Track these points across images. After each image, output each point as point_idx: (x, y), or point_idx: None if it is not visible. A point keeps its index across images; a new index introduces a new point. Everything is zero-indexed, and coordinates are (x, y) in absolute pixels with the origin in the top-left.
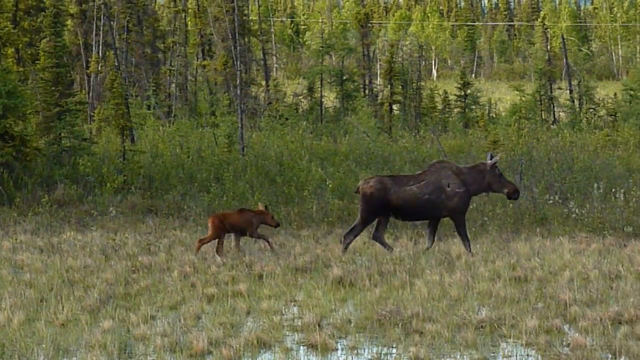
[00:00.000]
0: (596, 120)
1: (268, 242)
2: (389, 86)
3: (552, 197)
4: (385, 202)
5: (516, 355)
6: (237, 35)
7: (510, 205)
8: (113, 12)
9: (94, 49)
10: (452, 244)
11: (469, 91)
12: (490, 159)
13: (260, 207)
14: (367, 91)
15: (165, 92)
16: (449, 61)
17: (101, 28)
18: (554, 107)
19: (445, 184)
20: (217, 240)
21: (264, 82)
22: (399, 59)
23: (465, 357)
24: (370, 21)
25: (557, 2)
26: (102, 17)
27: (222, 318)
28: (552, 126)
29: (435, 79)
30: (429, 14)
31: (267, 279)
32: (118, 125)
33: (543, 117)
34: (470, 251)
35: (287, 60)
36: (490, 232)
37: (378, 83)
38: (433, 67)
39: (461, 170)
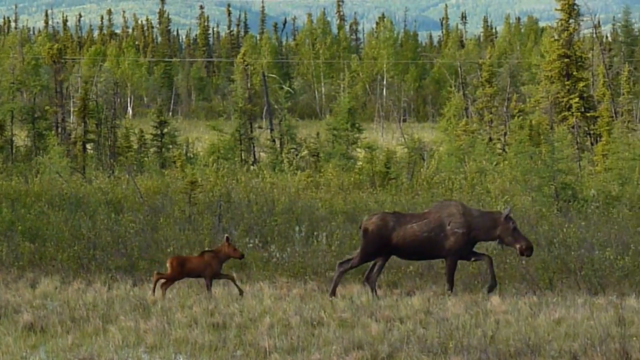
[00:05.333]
0: (298, 161)
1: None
2: (83, 124)
3: (252, 241)
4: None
5: None
6: None
7: (207, 248)
8: None
9: None
10: (148, 289)
11: (165, 130)
12: (509, 212)
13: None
14: (59, 129)
15: None
16: (146, 98)
17: None
18: (254, 147)
19: (447, 223)
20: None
21: None
22: (94, 96)
23: None
24: (64, 57)
25: (258, 38)
26: None
27: None
28: (252, 167)
29: (131, 117)
30: (125, 49)
31: None
32: None
33: (243, 157)
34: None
35: None
36: None
37: (71, 121)
38: (129, 104)
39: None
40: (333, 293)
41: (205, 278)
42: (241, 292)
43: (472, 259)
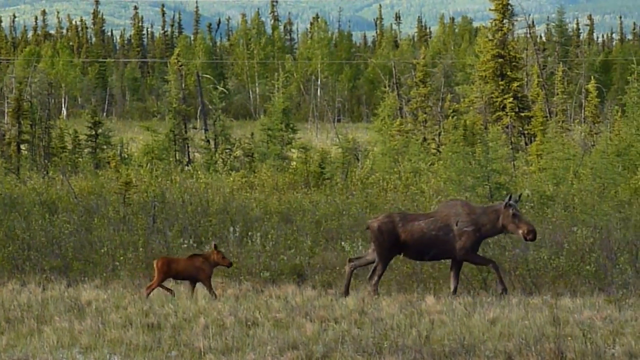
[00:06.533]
0: (232, 161)
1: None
2: (17, 125)
3: (186, 241)
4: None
5: None
6: None
7: (142, 249)
8: None
9: None
10: (82, 289)
11: (100, 131)
12: (509, 199)
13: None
14: None
15: None
16: (80, 99)
17: None
18: (188, 147)
19: (454, 222)
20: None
21: None
22: (28, 97)
23: None
24: None
25: (192, 38)
26: None
27: None
28: (186, 167)
29: (65, 117)
30: (59, 50)
31: None
32: None
33: (177, 157)
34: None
35: None
36: (122, 277)
37: (5, 122)
38: (63, 105)
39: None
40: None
41: (202, 283)
42: (215, 296)
43: (454, 267)
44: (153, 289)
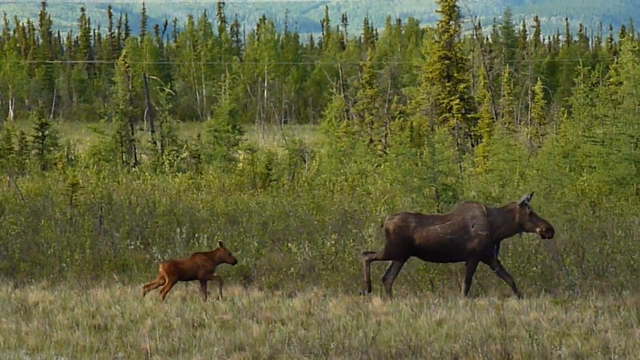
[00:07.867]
0: (179, 163)
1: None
2: None
3: (133, 242)
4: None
5: None
6: None
7: (89, 250)
8: None
9: None
10: (29, 291)
11: (47, 132)
12: (526, 199)
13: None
14: None
15: None
16: (27, 101)
17: None
18: (135, 148)
19: (471, 225)
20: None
21: None
22: None
23: None
24: None
25: (139, 40)
26: None
27: None
28: (133, 169)
29: (12, 119)
30: (7, 52)
31: None
32: None
33: (124, 159)
34: (466, 295)
35: None
36: (69, 278)
37: None
38: (10, 107)
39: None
40: (369, 289)
41: (200, 280)
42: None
43: (496, 269)
44: (167, 292)
